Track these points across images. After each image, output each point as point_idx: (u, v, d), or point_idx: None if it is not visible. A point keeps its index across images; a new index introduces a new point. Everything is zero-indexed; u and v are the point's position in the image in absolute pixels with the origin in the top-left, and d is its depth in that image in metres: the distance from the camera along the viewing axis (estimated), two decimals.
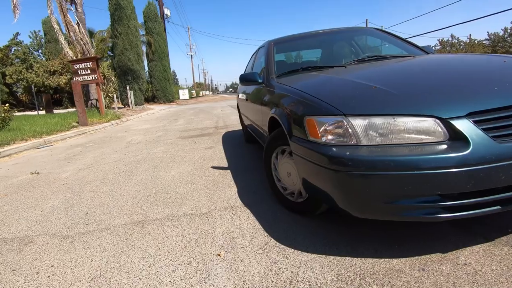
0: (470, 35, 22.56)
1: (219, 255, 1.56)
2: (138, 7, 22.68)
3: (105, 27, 21.96)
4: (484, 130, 1.10)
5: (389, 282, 1.23)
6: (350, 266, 1.35)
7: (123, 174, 3.37)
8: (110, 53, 22.66)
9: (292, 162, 1.80)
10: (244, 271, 1.39)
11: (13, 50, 24.45)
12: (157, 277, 1.42)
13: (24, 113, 21.43)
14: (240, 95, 4.17)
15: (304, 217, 1.86)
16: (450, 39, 23.99)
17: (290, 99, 1.73)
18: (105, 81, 15.17)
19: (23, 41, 25.86)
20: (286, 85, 1.96)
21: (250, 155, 3.73)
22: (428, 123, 1.14)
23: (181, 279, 1.38)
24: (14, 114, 18.50)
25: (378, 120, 1.19)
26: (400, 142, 1.15)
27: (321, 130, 1.32)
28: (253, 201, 2.22)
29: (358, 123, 1.22)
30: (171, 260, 1.55)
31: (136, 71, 17.72)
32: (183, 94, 32.70)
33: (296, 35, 2.94)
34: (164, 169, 3.46)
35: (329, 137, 1.30)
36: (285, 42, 2.83)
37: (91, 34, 21.91)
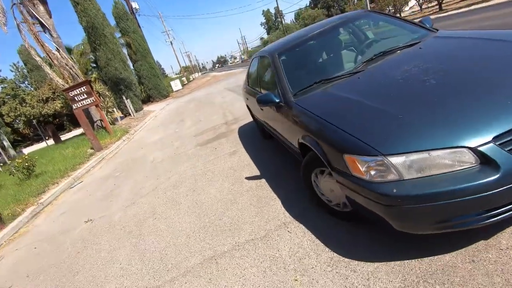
0: None
1: (296, 280, 1.84)
2: (105, 8, 21.73)
3: (78, 38, 21.33)
4: (509, 151, 1.27)
5: (448, 279, 1.48)
6: (411, 270, 1.61)
7: (169, 205, 3.66)
8: (93, 65, 22.31)
9: (333, 181, 2.01)
10: None
11: (0, 88, 24.30)
12: None
13: (33, 146, 21.88)
14: (250, 97, 4.26)
15: (355, 225, 2.11)
16: None
17: (319, 130, 1.89)
18: (101, 98, 15.18)
19: (7, 77, 25.58)
20: (308, 111, 2.10)
21: (274, 157, 3.92)
22: (461, 153, 1.31)
23: None
24: (24, 150, 18.79)
25: (414, 156, 1.37)
26: (439, 172, 1.34)
27: (363, 168, 1.51)
28: (301, 213, 2.48)
29: (398, 161, 1.40)
30: None
31: (126, 78, 17.54)
32: (175, 85, 32.28)
33: (294, 40, 2.97)
34: (203, 190, 3.72)
35: (372, 173, 1.49)
36: (288, 51, 2.88)
37: (69, 50, 21.34)
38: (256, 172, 3.68)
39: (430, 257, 1.64)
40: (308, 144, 2.04)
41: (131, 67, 22.24)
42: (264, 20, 67.46)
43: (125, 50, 22.82)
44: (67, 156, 9.86)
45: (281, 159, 3.72)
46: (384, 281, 1.60)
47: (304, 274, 1.85)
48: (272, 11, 66.10)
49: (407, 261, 1.67)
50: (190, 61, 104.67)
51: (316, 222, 2.29)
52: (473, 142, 1.30)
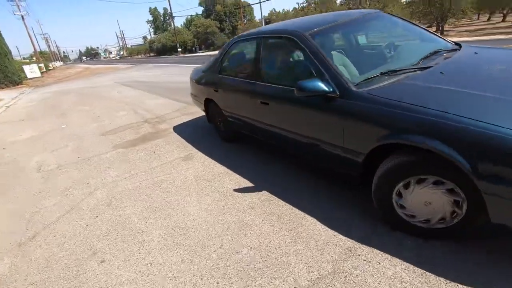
0: None
1: None
2: None
3: None
4: None
5: None
6: None
7: (119, 236, 2.32)
8: None
9: (443, 195, 1.62)
10: None
11: None
12: None
13: None
14: (222, 89, 3.41)
15: (442, 241, 1.77)
16: None
17: (456, 129, 1.45)
18: None
19: None
20: (413, 105, 1.64)
21: (261, 161, 3.23)
22: None
23: None
24: None
25: None
26: None
27: None
28: (363, 234, 1.95)
29: None
30: None
31: None
32: (32, 71, 25.07)
33: (324, 23, 2.47)
34: (173, 209, 2.59)
35: None
36: (323, 33, 2.33)
37: None
38: (246, 183, 2.87)
39: None
40: (419, 145, 1.57)
41: None
42: (151, 18, 62.39)
43: None
44: None
45: (275, 164, 3.07)
46: None
47: None
48: (160, 10, 62.20)
49: None
50: (49, 46, 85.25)
51: (396, 244, 1.82)
52: None
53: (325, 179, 2.67)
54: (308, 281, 1.67)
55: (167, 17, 58.48)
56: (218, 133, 4.09)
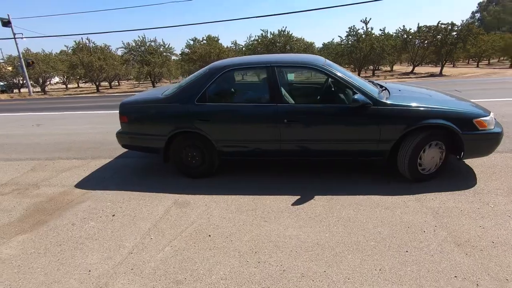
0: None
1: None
2: None
3: None
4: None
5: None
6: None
7: None
8: None
9: (438, 150, 2.98)
10: None
11: None
12: None
13: None
14: (224, 117, 3.23)
15: (437, 178, 3.14)
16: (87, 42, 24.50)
17: (448, 113, 2.83)
18: None
19: None
20: (416, 104, 2.92)
21: (266, 179, 3.34)
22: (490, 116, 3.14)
23: None
24: None
25: (492, 114, 3.01)
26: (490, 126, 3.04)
27: (487, 123, 2.85)
28: (410, 190, 2.94)
29: (492, 115, 2.95)
30: None
31: None
32: None
33: (320, 61, 3.30)
34: (272, 242, 2.27)
35: (488, 125, 2.88)
36: (332, 66, 3.19)
37: None
38: (291, 199, 2.93)
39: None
40: (439, 123, 2.81)
41: None
42: None
43: None
44: None
45: (285, 177, 3.36)
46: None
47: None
48: None
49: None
50: None
51: (427, 187, 2.97)
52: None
53: (345, 170, 3.43)
54: (430, 222, 2.43)
55: None
56: (186, 172, 3.53)
